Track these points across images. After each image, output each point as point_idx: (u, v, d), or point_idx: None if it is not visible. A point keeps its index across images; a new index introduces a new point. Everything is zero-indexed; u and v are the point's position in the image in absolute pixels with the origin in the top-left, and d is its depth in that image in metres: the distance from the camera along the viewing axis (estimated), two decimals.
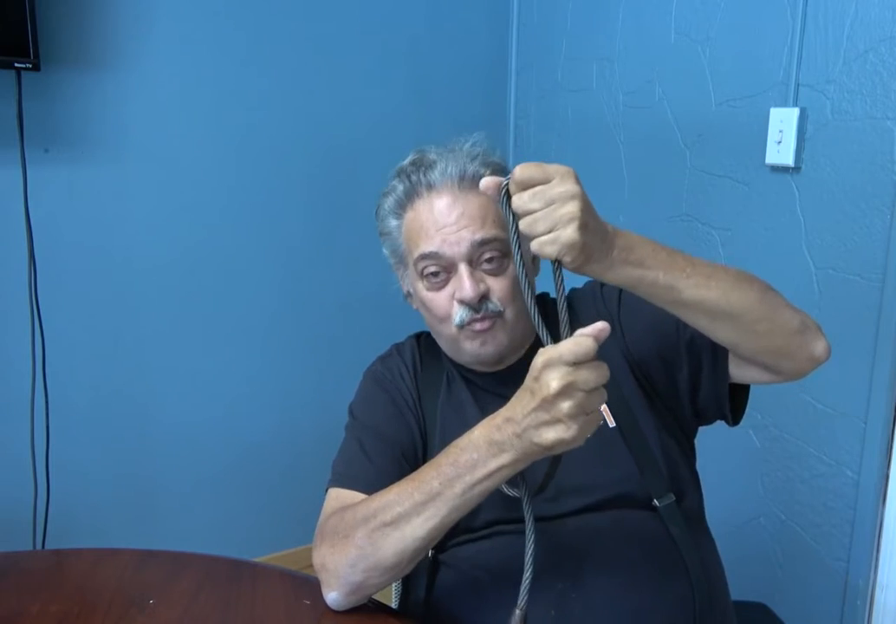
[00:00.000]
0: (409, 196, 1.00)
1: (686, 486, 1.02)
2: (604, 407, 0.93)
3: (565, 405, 0.71)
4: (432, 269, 0.97)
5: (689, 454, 1.06)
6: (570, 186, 0.71)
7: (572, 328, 0.74)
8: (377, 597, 0.94)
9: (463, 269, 0.95)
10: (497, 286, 0.97)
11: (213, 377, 2.09)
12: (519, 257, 0.76)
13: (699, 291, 0.80)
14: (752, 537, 1.67)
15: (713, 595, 0.96)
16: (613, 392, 0.90)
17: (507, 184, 0.73)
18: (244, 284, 2.09)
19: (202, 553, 1.06)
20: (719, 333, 0.86)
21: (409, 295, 1.07)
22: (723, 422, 1.03)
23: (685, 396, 1.00)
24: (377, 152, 2.08)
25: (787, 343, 0.87)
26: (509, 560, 0.88)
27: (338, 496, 0.97)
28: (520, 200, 0.72)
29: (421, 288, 1.00)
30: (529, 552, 0.79)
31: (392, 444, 1.01)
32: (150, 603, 0.94)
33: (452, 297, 0.97)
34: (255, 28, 1.99)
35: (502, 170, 1.01)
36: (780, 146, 1.51)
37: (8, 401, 1.84)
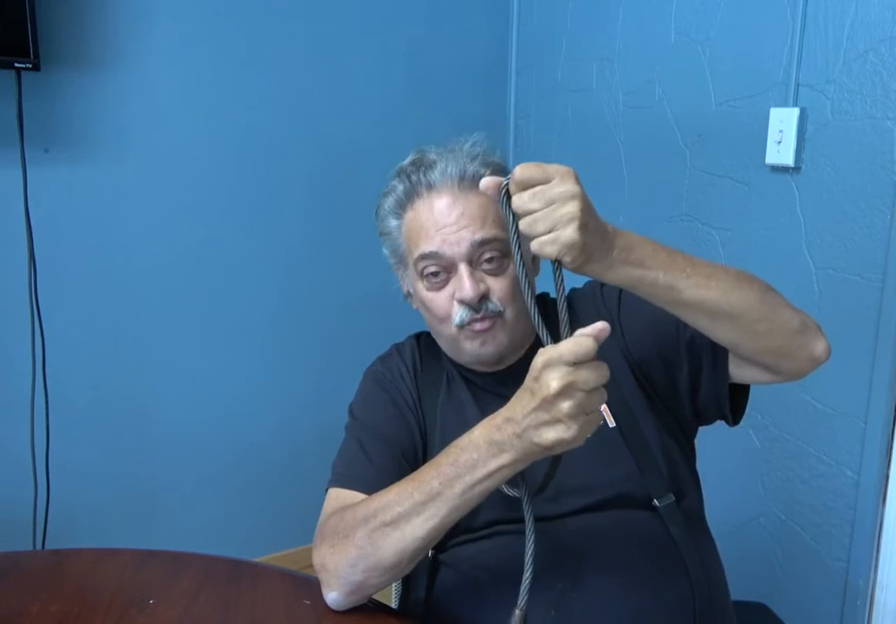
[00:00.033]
0: (409, 196, 1.00)
1: (686, 486, 1.02)
2: (604, 407, 0.93)
3: (565, 405, 0.71)
4: (432, 269, 0.97)
5: (689, 454, 1.06)
6: (570, 186, 0.71)
7: (572, 328, 0.74)
8: (377, 597, 0.94)
9: (463, 269, 0.96)
10: (497, 286, 0.97)
11: (213, 377, 2.09)
12: (519, 257, 0.76)
13: (699, 291, 0.80)
14: (752, 537, 1.67)
15: (713, 595, 0.96)
16: (613, 392, 0.90)
17: (506, 184, 0.73)
18: (244, 284, 2.09)
19: (202, 553, 1.06)
20: (719, 333, 0.86)
21: (409, 295, 1.07)
22: (723, 422, 1.03)
23: (685, 396, 1.00)
24: (377, 152, 2.08)
25: (787, 343, 0.86)
26: (509, 560, 0.88)
27: (338, 496, 0.97)
28: (520, 200, 0.71)
29: (421, 288, 1.00)
30: (529, 552, 0.79)
31: (392, 444, 1.01)
32: (150, 603, 0.94)
33: (452, 297, 0.97)
34: (255, 28, 1.99)
35: (502, 170, 1.01)
36: (780, 146, 1.51)
37: (8, 401, 1.84)
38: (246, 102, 2.01)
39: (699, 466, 1.07)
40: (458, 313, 0.96)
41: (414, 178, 0.99)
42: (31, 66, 1.65)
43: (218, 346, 2.08)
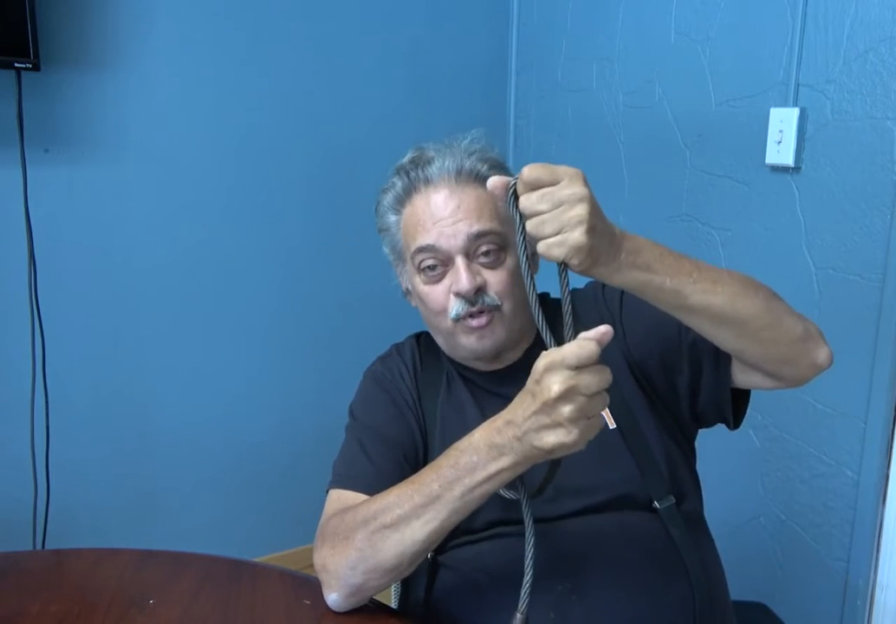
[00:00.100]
0: (408, 192, 1.00)
1: (686, 487, 1.02)
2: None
3: (566, 409, 0.71)
4: (429, 262, 0.97)
5: (690, 455, 1.06)
6: (578, 189, 0.70)
7: (575, 330, 0.73)
8: (377, 597, 0.94)
9: (459, 261, 0.95)
10: (494, 280, 0.96)
11: (213, 377, 2.09)
12: (525, 259, 0.74)
13: (705, 297, 0.80)
14: (752, 537, 1.67)
15: (713, 595, 0.96)
16: (614, 393, 0.89)
17: (514, 184, 0.72)
18: (244, 284, 2.09)
19: (202, 553, 1.06)
20: (723, 339, 0.86)
21: (407, 292, 1.07)
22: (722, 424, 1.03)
23: (684, 401, 1.00)
24: (377, 152, 2.07)
25: (790, 350, 0.86)
26: (509, 562, 0.88)
27: (339, 497, 0.97)
28: (527, 201, 0.71)
29: (418, 282, 1.00)
30: (529, 556, 0.78)
31: (393, 445, 1.01)
32: (150, 603, 0.94)
33: (449, 290, 0.97)
34: (255, 28, 1.99)
35: (500, 166, 1.01)
36: (780, 146, 1.51)
37: (8, 401, 1.84)
38: (246, 102, 2.01)
39: (699, 466, 1.07)
40: (455, 307, 0.96)
41: (412, 174, 0.99)
42: (31, 66, 1.65)
43: (218, 346, 2.08)
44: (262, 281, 2.11)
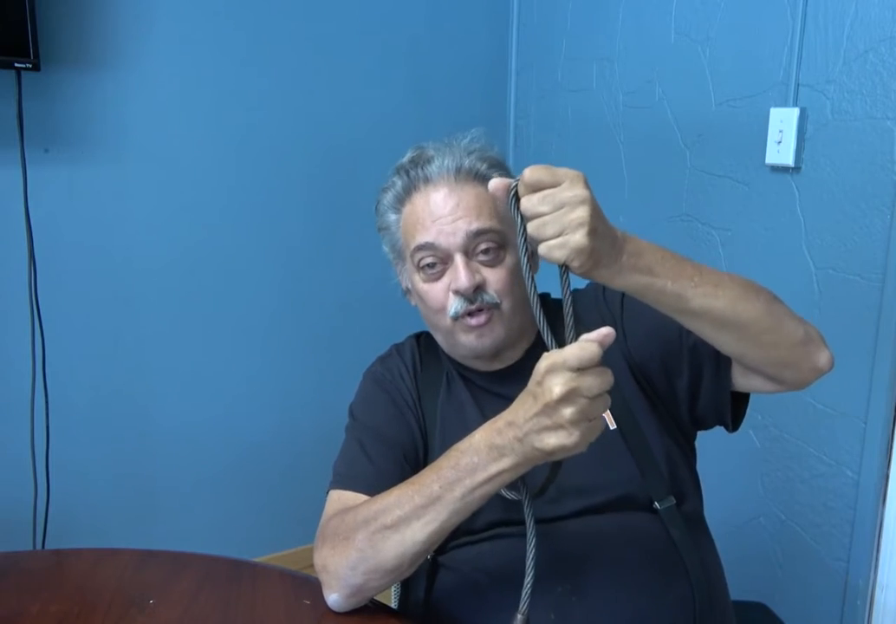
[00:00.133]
0: (408, 191, 1.00)
1: (686, 488, 1.02)
2: None
3: (567, 411, 0.71)
4: (428, 260, 0.97)
5: (690, 456, 1.06)
6: (579, 191, 0.70)
7: (576, 332, 0.73)
8: (377, 597, 0.94)
9: (459, 259, 0.95)
10: (493, 278, 0.96)
11: (213, 377, 2.09)
12: (525, 260, 0.74)
13: (706, 301, 0.80)
14: (752, 537, 1.67)
15: (713, 596, 0.96)
16: (615, 395, 0.89)
17: (515, 185, 0.72)
18: (244, 284, 2.09)
19: (202, 553, 1.07)
20: (724, 342, 0.86)
21: (407, 291, 1.07)
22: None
23: (684, 404, 1.00)
24: (377, 152, 2.07)
25: (790, 354, 0.86)
26: (510, 563, 0.88)
27: (339, 498, 0.97)
28: (529, 203, 0.71)
29: (418, 280, 1.00)
30: (530, 557, 0.78)
31: (393, 445, 1.01)
32: (150, 603, 0.94)
33: (448, 288, 0.97)
34: (255, 28, 1.99)
35: (499, 165, 1.01)
36: (780, 146, 1.51)
37: (8, 401, 1.84)
38: (246, 102, 2.01)
39: (699, 466, 1.07)
40: (454, 305, 0.96)
41: (412, 173, 0.99)
42: (31, 66, 1.65)
43: (218, 346, 2.08)
44: (262, 281, 2.11)
